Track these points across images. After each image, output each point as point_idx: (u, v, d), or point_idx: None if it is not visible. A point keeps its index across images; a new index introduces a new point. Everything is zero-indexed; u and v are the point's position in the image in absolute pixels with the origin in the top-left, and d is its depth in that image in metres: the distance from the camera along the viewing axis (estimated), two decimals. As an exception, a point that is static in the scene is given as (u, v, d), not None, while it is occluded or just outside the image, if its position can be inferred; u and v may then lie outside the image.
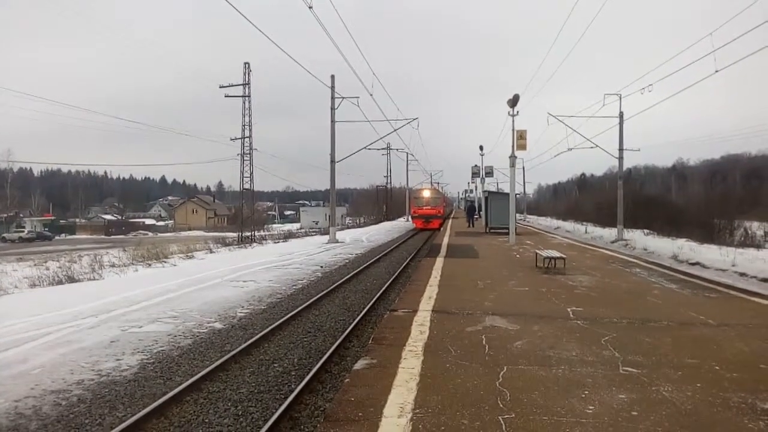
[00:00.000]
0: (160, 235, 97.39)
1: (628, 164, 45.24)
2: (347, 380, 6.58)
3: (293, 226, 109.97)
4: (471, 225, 47.76)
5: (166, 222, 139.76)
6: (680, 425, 5.26)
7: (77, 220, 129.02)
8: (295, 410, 7.85)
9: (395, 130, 44.90)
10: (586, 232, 42.74)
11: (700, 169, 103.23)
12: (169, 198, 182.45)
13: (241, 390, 8.78)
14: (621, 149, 34.62)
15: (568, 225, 54.80)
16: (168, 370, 9.88)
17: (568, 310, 10.86)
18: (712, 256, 21.05)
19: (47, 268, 26.76)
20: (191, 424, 7.48)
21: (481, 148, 67.00)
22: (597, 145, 35.48)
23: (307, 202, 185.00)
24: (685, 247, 24.54)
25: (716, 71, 21.17)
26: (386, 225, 70.60)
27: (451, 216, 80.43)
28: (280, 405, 7.83)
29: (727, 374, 6.87)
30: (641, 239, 31.38)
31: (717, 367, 7.16)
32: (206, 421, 7.58)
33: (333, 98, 39.94)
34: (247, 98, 54.70)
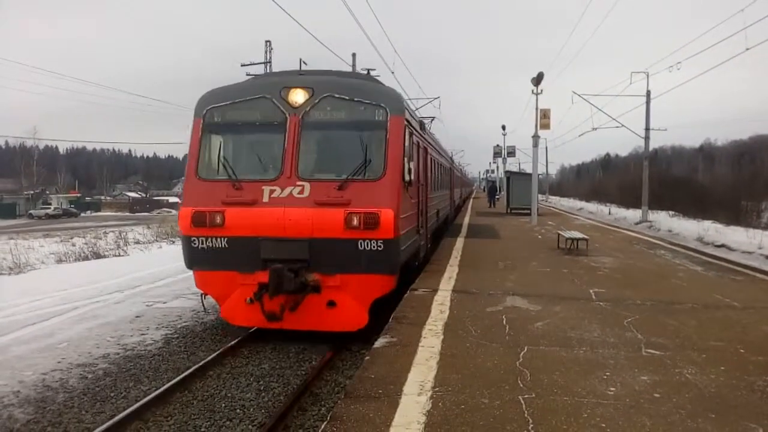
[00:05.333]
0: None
1: (654, 144, 44.52)
2: (367, 358, 6.62)
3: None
4: (492, 205, 47.49)
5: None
6: (703, 408, 5.21)
7: (102, 197, 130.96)
8: (315, 386, 7.94)
9: (416, 110, 44.49)
10: (609, 213, 42.29)
11: (728, 149, 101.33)
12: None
13: (263, 365, 8.89)
14: (647, 129, 34.02)
15: (592, 206, 54.26)
16: (192, 345, 10.05)
17: (591, 291, 10.77)
18: (739, 238, 20.71)
19: (73, 244, 27.24)
20: (214, 398, 7.60)
21: (503, 127, 66.29)
22: (623, 125, 34.88)
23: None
24: (710, 229, 24.18)
25: (747, 49, 20.62)
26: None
27: (472, 196, 79.56)
28: (302, 380, 7.93)
29: (752, 357, 6.77)
30: (666, 221, 30.97)
31: (742, 351, 7.06)
32: (229, 395, 7.70)
33: (354, 76, 39.39)
34: (268, 76, 54.32)
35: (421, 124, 13.49)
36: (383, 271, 9.29)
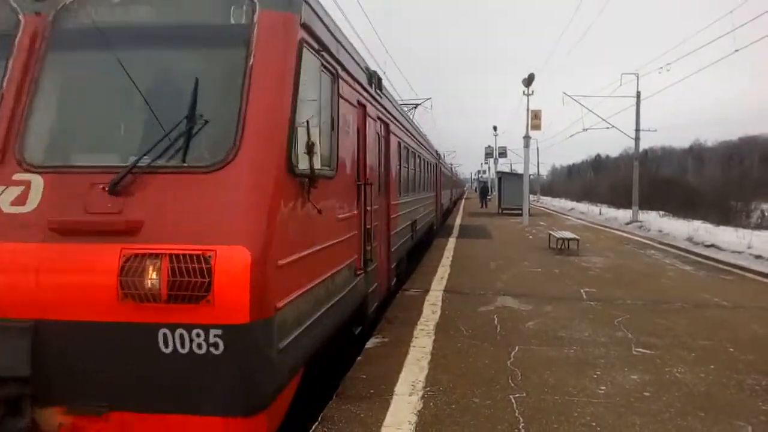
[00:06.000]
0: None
1: (644, 145, 44.68)
2: (359, 358, 6.61)
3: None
4: (484, 206, 47.62)
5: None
6: (693, 406, 5.23)
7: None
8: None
9: (409, 110, 44.50)
10: (600, 213, 42.46)
11: (717, 150, 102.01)
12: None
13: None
14: (638, 129, 34.20)
15: (583, 206, 54.45)
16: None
17: (581, 291, 10.81)
18: (728, 238, 20.83)
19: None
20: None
21: (494, 128, 66.54)
22: (613, 126, 35.06)
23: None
24: (700, 229, 24.30)
25: (736, 51, 20.78)
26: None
27: (463, 197, 79.83)
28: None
29: (742, 356, 6.81)
30: (656, 221, 31.12)
31: (731, 349, 7.10)
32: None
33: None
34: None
35: (372, 77, 7.98)
36: (226, 410, 3.83)
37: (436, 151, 25.13)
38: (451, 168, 60.28)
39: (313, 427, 4.80)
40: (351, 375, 6.05)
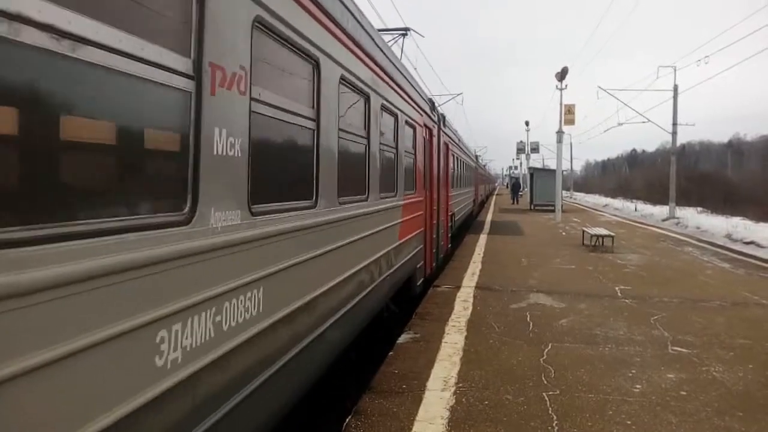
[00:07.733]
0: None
1: (681, 139, 43.68)
2: (391, 353, 6.65)
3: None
4: (515, 202, 47.24)
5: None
6: (731, 406, 5.14)
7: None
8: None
9: (439, 105, 44.23)
10: (635, 209, 41.75)
11: (758, 144, 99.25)
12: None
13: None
14: (675, 124, 33.51)
15: (617, 202, 53.62)
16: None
17: (616, 288, 10.67)
18: (769, 235, 20.31)
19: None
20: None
21: (526, 123, 65.92)
22: (649, 120, 34.45)
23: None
24: (739, 226, 23.76)
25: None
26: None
27: (495, 192, 79.27)
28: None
29: (783, 356, 6.67)
30: (694, 217, 30.51)
31: (772, 349, 6.95)
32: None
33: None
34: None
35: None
36: None
37: (431, 102, 13.12)
38: (477, 158, 46.83)
39: (347, 420, 4.87)
40: (383, 370, 6.10)
